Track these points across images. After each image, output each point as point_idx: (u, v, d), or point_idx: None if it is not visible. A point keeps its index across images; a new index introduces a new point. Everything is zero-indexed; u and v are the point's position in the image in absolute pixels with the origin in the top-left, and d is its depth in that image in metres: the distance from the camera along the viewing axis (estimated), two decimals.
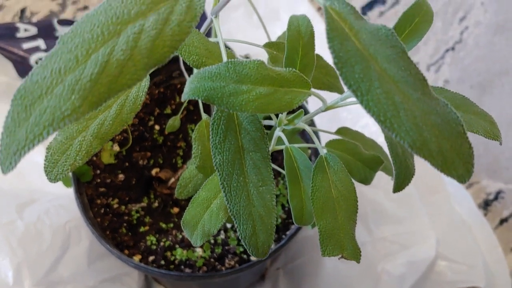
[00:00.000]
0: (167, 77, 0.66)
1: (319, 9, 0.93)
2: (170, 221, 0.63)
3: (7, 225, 0.63)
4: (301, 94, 0.33)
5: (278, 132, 0.41)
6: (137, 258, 0.59)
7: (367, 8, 0.98)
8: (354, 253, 0.37)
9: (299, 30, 0.37)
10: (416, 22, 0.35)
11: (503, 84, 0.92)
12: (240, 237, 0.36)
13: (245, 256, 0.60)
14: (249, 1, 0.49)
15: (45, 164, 0.39)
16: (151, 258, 0.59)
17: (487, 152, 0.86)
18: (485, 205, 0.83)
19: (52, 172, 0.39)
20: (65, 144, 0.39)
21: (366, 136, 0.50)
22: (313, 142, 0.57)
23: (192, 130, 0.66)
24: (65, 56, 0.25)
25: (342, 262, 0.66)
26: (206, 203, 0.42)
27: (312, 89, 0.34)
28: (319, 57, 0.45)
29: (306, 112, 0.61)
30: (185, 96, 0.30)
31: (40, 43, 0.81)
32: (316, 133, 0.58)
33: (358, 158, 0.45)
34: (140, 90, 0.39)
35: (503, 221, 0.81)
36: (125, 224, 0.61)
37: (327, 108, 0.37)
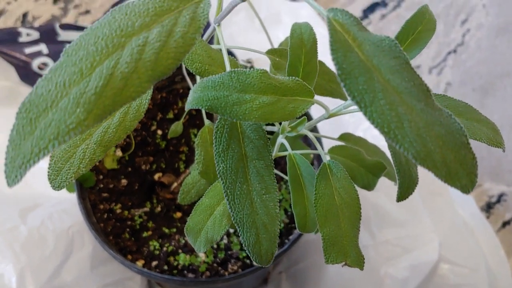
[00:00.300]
0: (169, 82, 0.66)
1: None
2: (173, 226, 0.63)
3: (11, 230, 0.63)
4: (304, 103, 0.33)
5: (281, 139, 0.41)
6: (140, 263, 0.59)
7: (369, 10, 0.98)
8: (357, 260, 0.37)
9: (301, 38, 0.37)
10: (419, 30, 0.35)
11: (505, 86, 0.92)
12: (243, 245, 0.37)
13: (248, 261, 0.60)
14: (250, 5, 0.49)
15: (48, 172, 0.39)
16: (154, 263, 0.60)
17: (490, 155, 0.86)
18: (488, 208, 0.83)
19: (55, 180, 0.39)
20: (68, 152, 0.39)
21: (369, 140, 0.50)
22: (315, 147, 0.57)
23: (195, 135, 0.66)
24: (70, 69, 0.25)
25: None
26: (209, 210, 0.42)
27: (315, 97, 0.34)
28: (321, 63, 0.45)
29: (309, 117, 0.61)
30: (188, 106, 0.30)
31: (42, 47, 0.81)
32: (318, 138, 0.58)
33: (361, 164, 0.45)
34: (143, 98, 0.39)
35: (505, 224, 0.81)
36: (128, 229, 0.61)
37: (330, 116, 0.37)
